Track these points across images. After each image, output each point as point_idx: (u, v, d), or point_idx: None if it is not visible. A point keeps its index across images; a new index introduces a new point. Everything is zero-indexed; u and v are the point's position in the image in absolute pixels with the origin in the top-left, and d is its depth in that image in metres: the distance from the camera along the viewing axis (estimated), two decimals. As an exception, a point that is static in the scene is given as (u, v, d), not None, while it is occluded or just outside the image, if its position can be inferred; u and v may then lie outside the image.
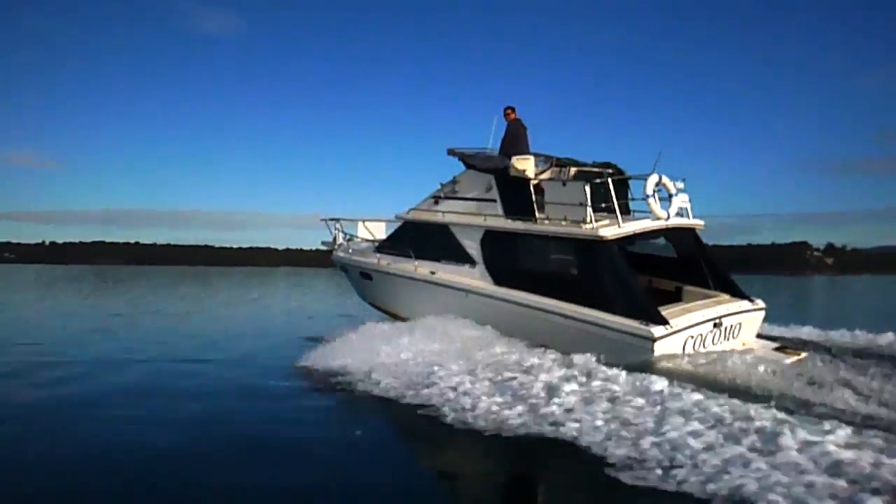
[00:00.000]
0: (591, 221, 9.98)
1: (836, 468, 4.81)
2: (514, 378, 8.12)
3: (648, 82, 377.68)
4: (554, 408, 6.92)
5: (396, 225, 14.44)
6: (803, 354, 9.50)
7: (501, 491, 5.89)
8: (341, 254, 15.73)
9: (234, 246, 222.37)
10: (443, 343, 9.98)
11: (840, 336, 11.91)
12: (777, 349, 9.89)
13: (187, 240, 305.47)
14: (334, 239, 16.15)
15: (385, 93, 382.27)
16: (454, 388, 7.93)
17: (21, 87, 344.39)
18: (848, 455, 4.97)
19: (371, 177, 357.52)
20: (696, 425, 5.98)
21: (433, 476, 6.20)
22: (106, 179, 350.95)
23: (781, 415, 6.06)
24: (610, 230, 9.85)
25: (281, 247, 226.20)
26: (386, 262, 13.65)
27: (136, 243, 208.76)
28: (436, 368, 8.80)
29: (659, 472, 5.18)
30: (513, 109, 12.31)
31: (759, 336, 10.70)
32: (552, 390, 7.44)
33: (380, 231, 15.95)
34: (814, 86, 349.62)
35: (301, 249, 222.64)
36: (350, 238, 15.92)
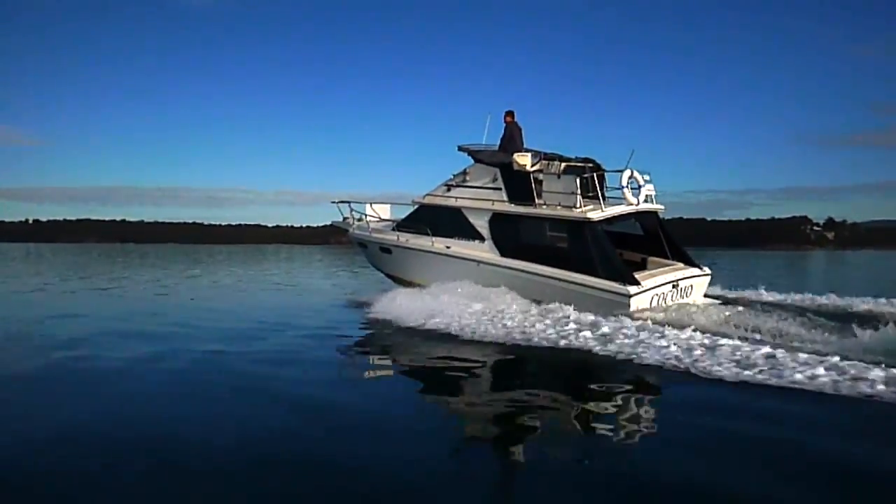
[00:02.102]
0: (580, 207, 13.36)
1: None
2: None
3: (638, 57, 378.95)
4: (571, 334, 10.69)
5: (401, 206, 17.86)
6: (735, 310, 12.89)
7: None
8: (358, 231, 18.78)
9: (224, 223, 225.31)
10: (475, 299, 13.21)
11: (785, 298, 15.26)
12: (718, 305, 13.36)
13: (174, 217, 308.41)
14: (345, 219, 19.14)
15: (367, 68, 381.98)
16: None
17: (4, 63, 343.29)
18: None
19: (353, 152, 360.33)
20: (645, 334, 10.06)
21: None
22: (91, 156, 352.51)
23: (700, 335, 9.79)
24: (595, 213, 13.26)
25: (271, 224, 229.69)
26: (405, 238, 16.79)
27: (123, 221, 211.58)
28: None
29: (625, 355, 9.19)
30: (511, 113, 15.55)
31: (706, 295, 14.24)
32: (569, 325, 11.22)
33: (385, 212, 18.97)
34: (805, 59, 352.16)
35: (291, 226, 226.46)
36: (360, 218, 18.87)
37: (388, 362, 10.57)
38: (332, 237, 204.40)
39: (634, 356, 9.10)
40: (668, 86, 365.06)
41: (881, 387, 7.07)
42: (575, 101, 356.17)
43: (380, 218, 18.51)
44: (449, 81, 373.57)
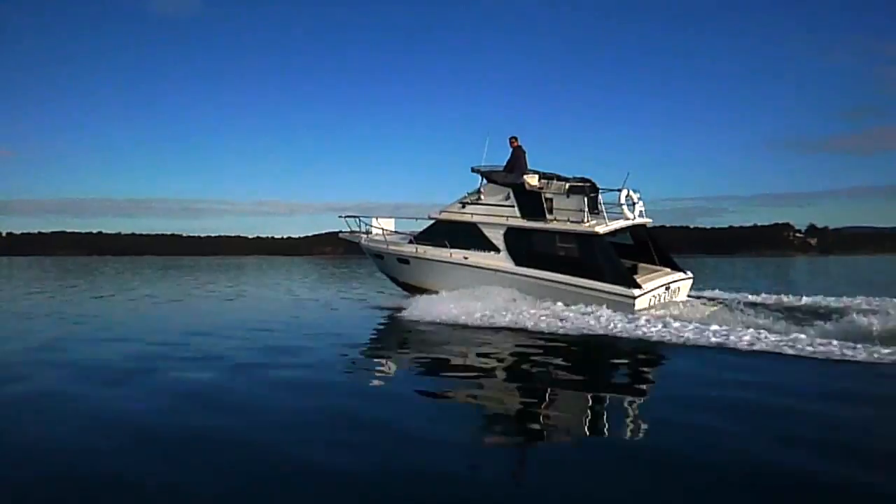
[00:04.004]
0: (588, 221, 15.96)
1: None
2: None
3: (614, 62, 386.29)
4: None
5: (405, 220, 20.78)
6: (717, 307, 15.62)
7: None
8: (373, 244, 20.90)
9: (203, 235, 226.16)
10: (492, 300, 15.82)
11: (754, 297, 18.13)
12: (702, 304, 16.14)
13: (149, 228, 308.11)
14: (353, 231, 21.40)
15: (343, 76, 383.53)
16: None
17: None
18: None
19: (328, 163, 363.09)
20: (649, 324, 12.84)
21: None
22: (61, 167, 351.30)
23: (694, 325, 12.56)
24: (601, 227, 15.83)
25: (251, 235, 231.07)
26: (423, 250, 19.08)
27: (99, 233, 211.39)
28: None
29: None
30: (516, 138, 18.12)
31: (689, 296, 17.05)
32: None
33: (390, 225, 21.28)
34: (779, 64, 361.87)
35: (272, 237, 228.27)
36: (367, 231, 21.17)
37: (436, 352, 12.49)
38: (314, 248, 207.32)
39: (646, 336, 12.11)
40: (640, 94, 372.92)
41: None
42: (549, 110, 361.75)
43: (388, 231, 20.73)
44: (429, 89, 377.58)
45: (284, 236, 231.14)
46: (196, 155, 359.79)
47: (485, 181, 18.23)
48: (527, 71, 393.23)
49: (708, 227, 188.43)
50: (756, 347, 10.75)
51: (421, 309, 16.00)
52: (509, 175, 17.66)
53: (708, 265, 57.08)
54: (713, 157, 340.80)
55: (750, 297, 18.23)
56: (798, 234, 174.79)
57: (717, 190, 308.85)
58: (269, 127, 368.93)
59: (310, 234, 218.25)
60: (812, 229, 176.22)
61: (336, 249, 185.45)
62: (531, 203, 16.88)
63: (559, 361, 10.74)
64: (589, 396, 8.65)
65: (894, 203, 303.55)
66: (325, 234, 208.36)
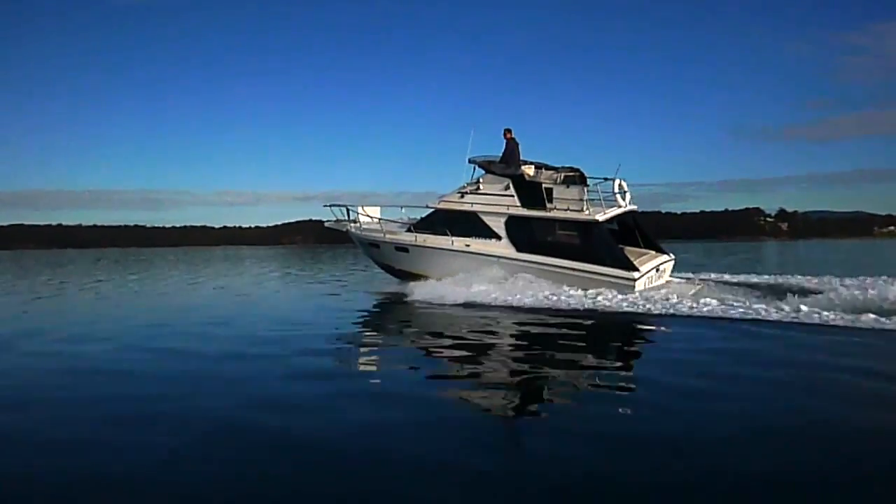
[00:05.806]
0: (587, 209, 17.51)
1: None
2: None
3: (576, 53, 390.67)
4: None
5: (392, 207, 21.96)
6: (700, 285, 17.47)
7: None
8: (367, 233, 21.70)
9: (168, 225, 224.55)
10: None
11: (731, 278, 20.11)
12: (686, 283, 18.01)
13: (111, 220, 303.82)
14: (338, 220, 22.31)
15: (305, 65, 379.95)
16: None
17: None
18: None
19: (293, 152, 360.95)
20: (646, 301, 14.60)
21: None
22: (19, 158, 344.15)
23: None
24: (600, 215, 17.32)
25: (217, 225, 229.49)
26: (423, 238, 20.08)
27: (59, 225, 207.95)
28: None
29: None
30: (510, 130, 19.37)
31: (672, 275, 18.92)
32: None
33: (376, 213, 22.13)
34: (741, 55, 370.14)
35: (239, 227, 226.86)
36: (355, 219, 21.99)
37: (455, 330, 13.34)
38: (283, 237, 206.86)
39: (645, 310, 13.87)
40: (604, 84, 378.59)
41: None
42: (511, 98, 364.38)
43: (376, 219, 21.69)
44: (396, 78, 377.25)
45: (252, 226, 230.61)
46: (152, 144, 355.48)
47: (482, 172, 19.34)
48: (489, 61, 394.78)
49: (679, 212, 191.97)
50: (739, 316, 12.56)
51: (428, 292, 17.31)
52: (507, 168, 18.84)
53: (690, 249, 58.75)
54: (676, 145, 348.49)
55: (726, 276, 20.31)
56: (769, 219, 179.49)
57: (680, 176, 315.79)
58: (229, 115, 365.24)
59: (278, 224, 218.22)
60: (782, 214, 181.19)
61: (306, 238, 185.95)
62: (531, 193, 18.15)
63: (562, 336, 11.77)
64: (590, 363, 9.66)
65: (854, 190, 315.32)
66: (295, 222, 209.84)
